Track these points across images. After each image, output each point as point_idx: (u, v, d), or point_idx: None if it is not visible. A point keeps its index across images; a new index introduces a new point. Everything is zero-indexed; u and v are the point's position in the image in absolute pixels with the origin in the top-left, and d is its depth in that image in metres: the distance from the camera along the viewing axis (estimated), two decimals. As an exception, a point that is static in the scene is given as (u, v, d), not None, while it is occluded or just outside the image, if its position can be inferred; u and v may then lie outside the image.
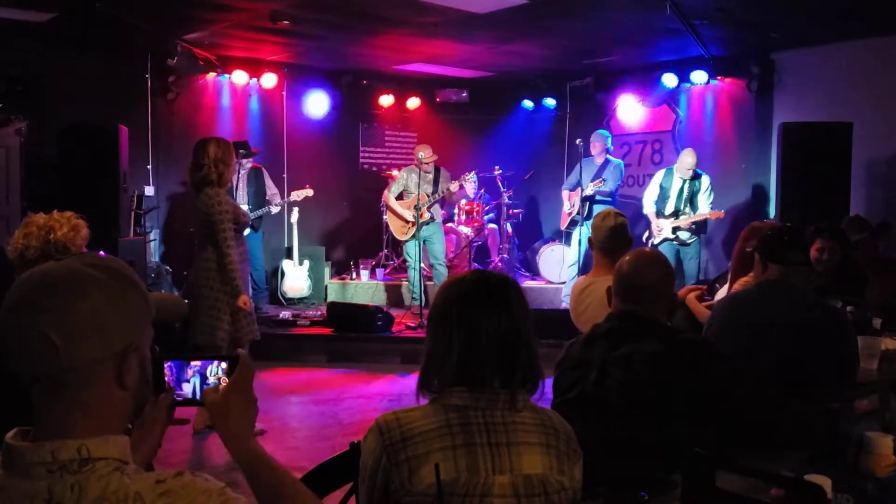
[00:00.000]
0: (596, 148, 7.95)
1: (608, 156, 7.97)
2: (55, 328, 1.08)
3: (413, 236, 7.64)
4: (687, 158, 7.33)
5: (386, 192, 7.90)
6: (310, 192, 8.01)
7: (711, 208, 7.29)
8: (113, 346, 1.13)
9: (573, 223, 7.96)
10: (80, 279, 1.12)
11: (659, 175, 7.55)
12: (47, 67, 7.31)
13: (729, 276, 3.85)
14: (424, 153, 7.56)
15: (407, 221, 7.67)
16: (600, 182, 7.57)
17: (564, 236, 8.64)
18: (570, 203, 8.05)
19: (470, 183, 8.39)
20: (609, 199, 7.65)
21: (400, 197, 7.76)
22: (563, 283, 8.15)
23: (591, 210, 7.63)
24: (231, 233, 4.53)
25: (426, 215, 7.58)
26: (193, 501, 1.09)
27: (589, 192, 7.59)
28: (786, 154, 6.69)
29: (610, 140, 8.05)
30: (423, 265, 7.81)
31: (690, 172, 7.29)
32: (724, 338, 2.72)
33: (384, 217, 8.83)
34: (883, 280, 4.20)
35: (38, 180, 7.00)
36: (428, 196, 7.59)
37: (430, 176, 7.68)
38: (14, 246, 2.98)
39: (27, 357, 1.10)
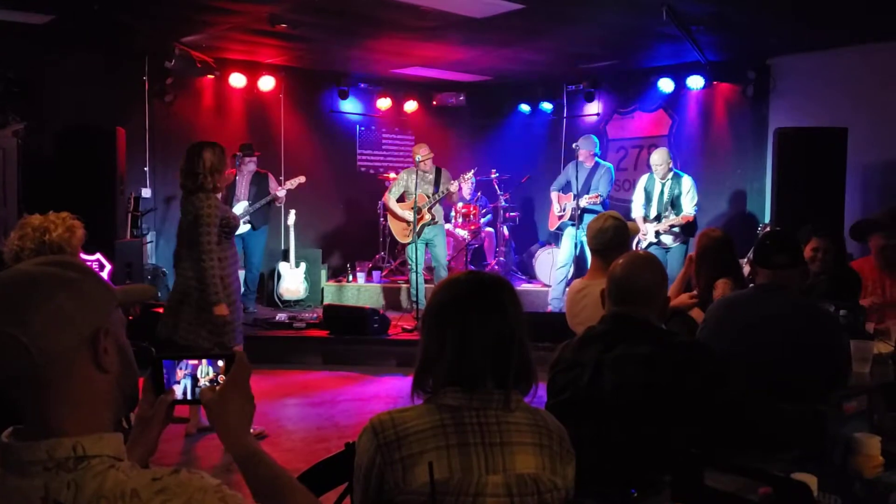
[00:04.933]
0: (583, 154, 7.82)
1: (598, 159, 7.91)
2: (21, 328, 1.09)
3: (413, 240, 7.55)
4: (653, 157, 7.23)
5: (386, 194, 7.83)
6: (302, 179, 7.98)
7: (695, 210, 7.07)
8: (81, 332, 1.14)
9: (562, 226, 7.95)
10: (35, 278, 1.14)
11: (642, 179, 7.46)
12: (45, 69, 7.32)
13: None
14: (421, 153, 7.43)
15: (408, 223, 7.53)
16: (596, 197, 7.51)
17: (554, 237, 8.59)
18: (560, 206, 8.00)
19: (468, 182, 8.38)
20: (600, 207, 7.55)
21: (402, 199, 7.66)
22: (552, 286, 8.03)
23: (582, 217, 7.59)
24: (213, 238, 4.46)
25: (426, 217, 7.48)
26: (190, 498, 1.10)
27: (584, 203, 7.54)
28: (781, 159, 6.70)
29: (598, 145, 7.95)
30: (423, 268, 7.73)
31: (661, 170, 7.13)
32: (716, 340, 2.74)
33: (381, 220, 8.84)
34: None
35: (35, 182, 6.99)
36: (428, 197, 7.49)
37: (431, 176, 7.58)
38: (9, 248, 3.00)
39: (1, 360, 1.11)
